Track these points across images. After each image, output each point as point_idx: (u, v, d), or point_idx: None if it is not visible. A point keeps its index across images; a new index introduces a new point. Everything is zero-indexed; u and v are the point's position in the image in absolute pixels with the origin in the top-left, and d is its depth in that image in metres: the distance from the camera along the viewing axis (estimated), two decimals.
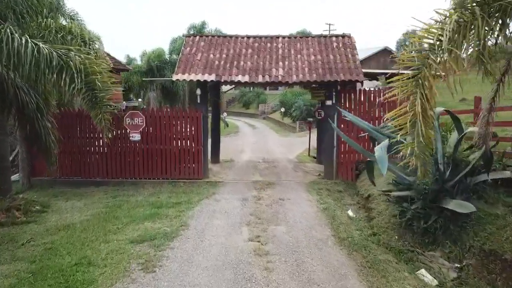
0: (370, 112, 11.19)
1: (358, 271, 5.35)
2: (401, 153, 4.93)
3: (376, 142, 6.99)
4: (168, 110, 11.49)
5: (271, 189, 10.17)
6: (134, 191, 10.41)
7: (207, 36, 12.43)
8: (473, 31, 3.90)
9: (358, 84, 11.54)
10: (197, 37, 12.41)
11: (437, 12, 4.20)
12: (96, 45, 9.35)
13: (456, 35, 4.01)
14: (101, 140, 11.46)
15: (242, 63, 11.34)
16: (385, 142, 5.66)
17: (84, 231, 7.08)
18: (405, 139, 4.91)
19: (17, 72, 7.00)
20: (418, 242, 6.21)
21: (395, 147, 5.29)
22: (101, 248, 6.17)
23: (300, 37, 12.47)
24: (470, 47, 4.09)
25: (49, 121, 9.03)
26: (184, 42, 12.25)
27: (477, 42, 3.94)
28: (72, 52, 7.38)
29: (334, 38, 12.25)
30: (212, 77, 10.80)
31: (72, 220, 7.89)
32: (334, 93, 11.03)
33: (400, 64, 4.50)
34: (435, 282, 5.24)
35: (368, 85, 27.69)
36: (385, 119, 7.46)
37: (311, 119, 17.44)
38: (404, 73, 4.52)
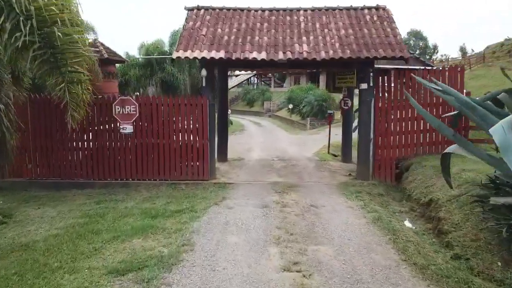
0: (420, 97, 9.11)
1: None
2: None
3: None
4: (167, 98, 9.41)
5: (295, 192, 8.09)
6: (124, 195, 8.36)
7: (213, 9, 10.36)
8: None
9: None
10: (202, 10, 10.34)
11: None
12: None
13: None
14: (85, 134, 9.41)
15: (257, 38, 9.27)
16: (509, 118, 3.56)
17: (47, 253, 5.02)
18: None
19: None
20: None
21: None
22: (61, 284, 4.10)
23: (325, 9, 10.38)
24: None
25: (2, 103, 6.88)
26: (186, 16, 10.19)
27: None
28: None
29: (366, 11, 10.16)
30: (221, 54, 8.73)
31: (36, 235, 5.83)
32: (371, 74, 8.94)
33: None
34: None
35: None
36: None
37: (331, 111, 15.35)
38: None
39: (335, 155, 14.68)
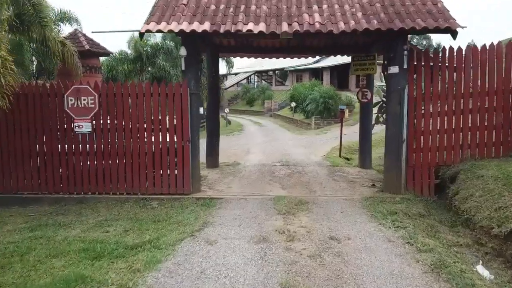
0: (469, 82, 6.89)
1: None
2: None
3: None
4: (135, 84, 7.22)
5: (305, 213, 5.87)
6: (75, 216, 6.17)
7: None
8: None
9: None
10: None
11: None
12: None
13: None
14: (29, 135, 7.23)
15: (253, 7, 7.04)
16: None
17: None
18: None
19: None
20: None
21: None
22: None
23: None
24: None
25: None
26: None
27: None
28: None
29: None
30: (205, 26, 6.52)
31: None
32: (405, 53, 6.72)
33: None
34: None
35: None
36: None
37: (343, 106, 13.09)
38: None
39: (347, 159, 12.50)
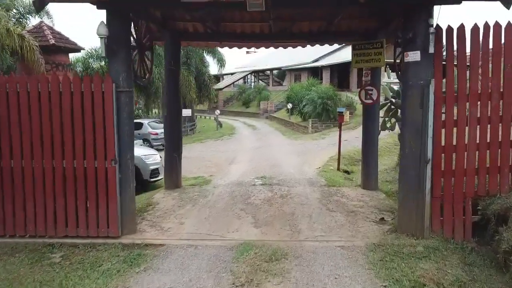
0: None
1: None
2: None
3: None
4: (37, 76, 5.05)
5: (278, 281, 3.69)
6: None
7: None
8: None
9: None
10: None
11: None
12: None
13: None
14: None
15: None
16: None
17: None
18: None
19: None
20: None
21: None
22: None
23: None
24: None
25: None
26: None
27: None
28: None
29: None
30: None
31: None
32: (432, 30, 4.52)
33: None
34: None
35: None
36: None
37: (342, 109, 10.85)
38: None
39: (347, 172, 10.32)
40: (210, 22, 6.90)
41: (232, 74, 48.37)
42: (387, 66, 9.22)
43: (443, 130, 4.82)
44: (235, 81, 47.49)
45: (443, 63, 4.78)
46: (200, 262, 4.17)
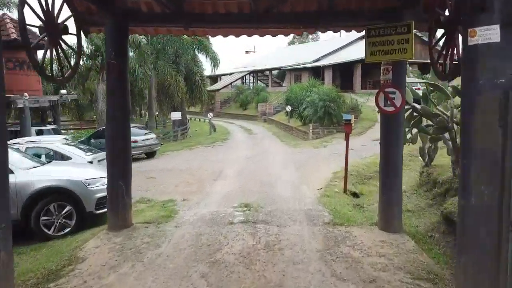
0: None
1: None
2: None
3: None
4: None
5: None
6: None
7: None
8: None
9: None
10: None
11: None
12: None
13: None
14: None
15: None
16: None
17: None
18: None
19: None
20: None
21: None
22: None
23: None
24: None
25: None
26: None
27: None
28: None
29: None
30: None
31: None
32: None
33: None
34: None
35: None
36: None
37: (349, 117, 8.68)
38: None
39: (356, 195, 8.25)
40: None
41: (230, 74, 46.38)
42: (411, 64, 7.11)
43: None
44: (233, 82, 45.47)
45: None
46: None
